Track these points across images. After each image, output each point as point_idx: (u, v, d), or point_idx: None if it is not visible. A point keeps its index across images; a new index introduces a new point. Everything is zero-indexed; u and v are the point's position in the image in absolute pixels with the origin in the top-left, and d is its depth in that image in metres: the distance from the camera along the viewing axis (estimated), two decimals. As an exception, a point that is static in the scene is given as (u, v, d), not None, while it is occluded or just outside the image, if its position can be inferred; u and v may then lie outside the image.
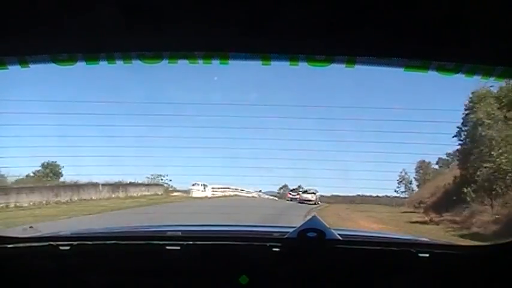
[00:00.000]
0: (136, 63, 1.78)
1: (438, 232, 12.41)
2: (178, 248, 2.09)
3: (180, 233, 2.51)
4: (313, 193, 19.94)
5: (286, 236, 2.19)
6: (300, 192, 20.44)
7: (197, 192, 19.23)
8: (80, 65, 1.78)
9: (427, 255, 2.11)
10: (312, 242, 2.13)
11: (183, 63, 1.80)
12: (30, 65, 1.77)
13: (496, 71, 1.75)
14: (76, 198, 16.58)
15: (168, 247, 2.10)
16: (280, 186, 22.60)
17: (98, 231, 2.57)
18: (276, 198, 22.39)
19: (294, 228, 2.18)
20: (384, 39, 1.63)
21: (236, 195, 20.97)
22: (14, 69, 1.77)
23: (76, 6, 1.49)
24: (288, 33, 1.60)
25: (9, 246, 2.04)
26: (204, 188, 19.26)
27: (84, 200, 16.77)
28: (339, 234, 2.19)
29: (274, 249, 2.13)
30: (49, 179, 17.68)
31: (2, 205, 14.03)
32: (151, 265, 2.07)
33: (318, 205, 18.94)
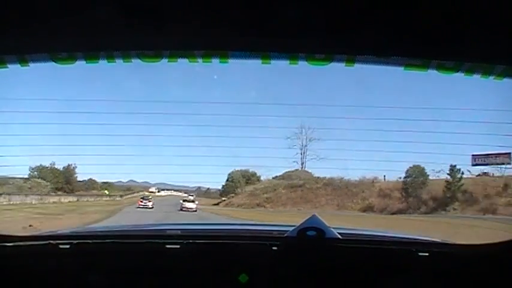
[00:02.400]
0: (137, 62, 1.78)
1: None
2: (178, 246, 2.09)
3: (179, 232, 2.51)
4: (192, 201, 23.62)
5: (285, 234, 2.19)
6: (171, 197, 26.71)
7: (157, 193, 30.89)
8: (80, 63, 1.78)
9: (427, 254, 2.11)
10: (311, 241, 2.13)
11: (182, 62, 1.81)
12: (30, 64, 1.77)
13: (495, 70, 1.75)
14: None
15: (167, 246, 2.10)
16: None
17: (98, 230, 2.57)
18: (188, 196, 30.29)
19: (294, 227, 2.18)
20: (383, 38, 1.63)
21: (172, 194, 30.73)
22: (14, 68, 1.77)
23: (76, 4, 1.49)
24: (288, 32, 1.60)
25: (8, 244, 2.03)
26: (159, 191, 31.90)
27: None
28: (338, 233, 2.19)
29: (274, 248, 2.13)
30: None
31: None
32: (151, 264, 2.07)
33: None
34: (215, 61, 1.79)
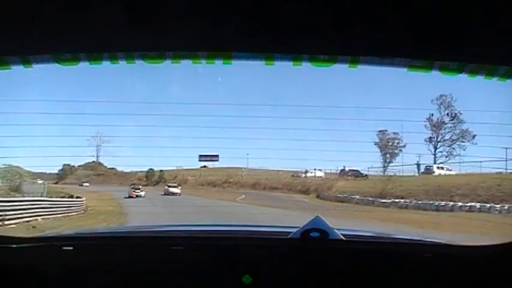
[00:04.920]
0: (140, 63, 1.78)
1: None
2: (182, 247, 2.09)
3: (183, 233, 2.51)
4: (175, 186, 29.33)
5: (289, 236, 2.19)
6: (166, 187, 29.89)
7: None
8: (83, 65, 1.78)
9: (431, 255, 2.11)
10: (315, 242, 2.13)
11: (186, 63, 1.80)
12: (33, 65, 1.77)
13: (499, 71, 1.74)
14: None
15: (171, 247, 2.10)
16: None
17: (101, 231, 2.58)
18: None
19: (298, 229, 2.18)
20: (387, 39, 1.63)
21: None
22: (17, 69, 1.78)
23: (79, 6, 1.49)
24: (291, 32, 1.60)
25: (12, 246, 2.04)
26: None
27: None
28: (342, 234, 2.18)
29: (278, 249, 2.12)
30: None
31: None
32: (155, 265, 2.07)
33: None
34: (218, 62, 1.79)
